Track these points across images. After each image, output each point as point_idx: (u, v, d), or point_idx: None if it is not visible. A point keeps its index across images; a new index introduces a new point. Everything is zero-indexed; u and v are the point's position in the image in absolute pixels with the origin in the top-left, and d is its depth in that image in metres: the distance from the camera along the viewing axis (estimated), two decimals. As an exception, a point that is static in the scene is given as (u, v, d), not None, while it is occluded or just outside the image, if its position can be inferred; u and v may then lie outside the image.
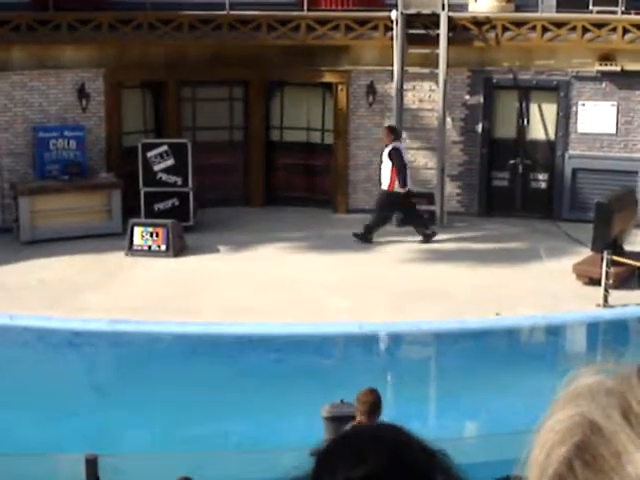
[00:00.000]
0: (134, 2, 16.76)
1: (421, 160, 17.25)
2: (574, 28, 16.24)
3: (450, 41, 16.29)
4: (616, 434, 0.94)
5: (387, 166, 15.52)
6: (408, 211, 15.81)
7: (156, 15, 16.46)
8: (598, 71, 16.38)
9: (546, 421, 1.01)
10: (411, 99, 17.03)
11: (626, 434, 0.93)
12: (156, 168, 16.15)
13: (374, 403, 7.18)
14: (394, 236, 16.09)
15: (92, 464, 7.74)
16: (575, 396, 1.00)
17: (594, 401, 0.98)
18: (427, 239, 15.68)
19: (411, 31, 16.49)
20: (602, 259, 12.96)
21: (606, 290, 12.88)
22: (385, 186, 15.59)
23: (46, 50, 16.13)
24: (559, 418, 1.00)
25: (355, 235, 15.64)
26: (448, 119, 16.81)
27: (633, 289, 13.57)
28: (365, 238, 15.64)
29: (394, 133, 15.75)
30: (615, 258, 13.08)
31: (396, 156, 15.48)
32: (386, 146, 15.64)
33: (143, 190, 16.12)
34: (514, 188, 17.27)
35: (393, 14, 16.30)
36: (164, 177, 16.18)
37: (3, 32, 15.78)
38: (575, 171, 16.80)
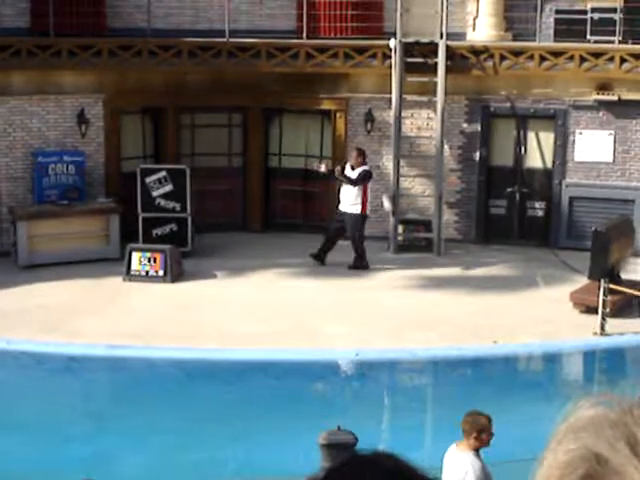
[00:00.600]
0: (134, 29, 16.86)
1: (419, 187, 17.31)
2: (572, 57, 16.34)
3: (448, 69, 16.39)
4: (624, 467, 0.93)
5: (354, 189, 15.62)
6: (340, 235, 15.92)
7: (156, 42, 16.56)
8: (595, 100, 16.48)
9: (547, 455, 1.00)
10: (409, 127, 17.11)
11: (634, 466, 0.93)
12: (154, 194, 16.20)
13: (483, 424, 7.39)
14: (392, 263, 16.12)
15: (88, 490, 7.71)
16: (577, 429, 0.99)
17: (598, 434, 0.96)
18: (318, 259, 15.83)
19: (409, 59, 16.59)
20: (599, 287, 12.97)
21: (603, 318, 12.89)
22: (358, 210, 15.70)
23: (46, 75, 16.21)
24: (561, 452, 0.98)
25: (351, 267, 15.69)
26: (446, 147, 16.88)
27: (630, 317, 13.58)
28: (362, 265, 15.68)
29: (362, 156, 15.96)
30: (612, 286, 13.10)
31: (368, 178, 15.74)
32: (352, 168, 15.74)
33: (141, 215, 16.15)
34: (511, 216, 17.32)
35: (391, 42, 16.41)
36: (162, 203, 16.22)
37: (3, 57, 15.86)
38: (572, 199, 16.85)
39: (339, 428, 8.11)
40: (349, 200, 15.76)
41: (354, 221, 15.75)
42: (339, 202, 15.92)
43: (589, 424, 0.99)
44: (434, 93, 16.49)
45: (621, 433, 0.96)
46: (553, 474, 0.98)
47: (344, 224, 15.77)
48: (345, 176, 15.70)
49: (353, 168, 15.80)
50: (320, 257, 15.89)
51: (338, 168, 15.83)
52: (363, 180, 15.69)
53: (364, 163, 15.88)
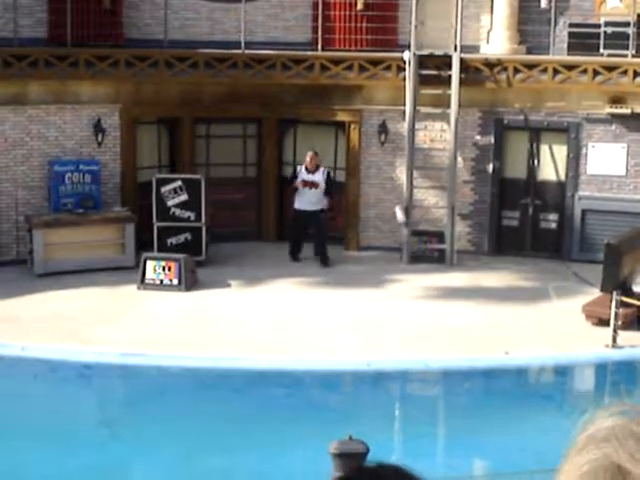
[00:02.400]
0: (151, 40, 17.00)
1: (432, 199, 17.38)
2: (585, 71, 16.41)
3: (462, 82, 16.47)
4: None
5: (322, 189, 16.44)
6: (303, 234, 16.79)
7: (172, 53, 16.69)
8: (608, 113, 16.52)
9: (567, 465, 0.99)
10: (422, 139, 17.18)
11: None
12: (170, 203, 16.31)
13: None
14: (404, 273, 16.18)
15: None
16: (598, 440, 0.98)
17: (621, 445, 0.96)
18: (296, 260, 16.57)
19: (423, 72, 16.68)
20: (611, 300, 13.01)
21: (615, 331, 12.92)
22: (324, 207, 16.57)
23: (63, 85, 16.36)
24: (582, 462, 0.98)
25: (326, 265, 16.34)
26: (459, 159, 16.95)
27: (642, 330, 13.60)
28: (326, 261, 16.40)
29: (317, 157, 16.75)
30: (624, 299, 13.13)
31: (331, 179, 16.67)
32: (307, 169, 16.47)
33: (156, 224, 16.26)
34: (524, 228, 17.36)
35: (406, 55, 16.50)
36: (177, 212, 16.33)
37: (21, 67, 16.02)
38: (585, 212, 16.89)
39: (350, 437, 8.17)
40: (316, 200, 16.54)
41: (323, 219, 16.64)
42: (293, 203, 16.73)
43: (611, 435, 0.98)
44: (448, 105, 16.56)
45: None
46: None
47: (306, 223, 16.53)
48: (319, 184, 16.49)
49: (308, 170, 16.52)
50: (297, 257, 16.67)
51: (297, 182, 16.56)
52: (329, 180, 16.64)
53: (318, 164, 16.67)
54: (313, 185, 16.46)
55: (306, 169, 16.54)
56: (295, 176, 16.63)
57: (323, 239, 16.60)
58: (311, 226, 16.59)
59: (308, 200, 16.49)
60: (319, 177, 16.54)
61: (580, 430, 1.00)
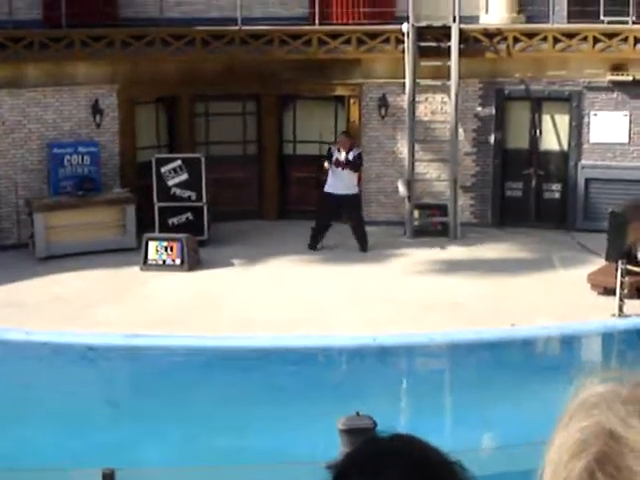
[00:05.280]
0: (146, 18, 16.87)
1: (434, 172, 17.28)
2: (585, 38, 16.26)
3: (461, 53, 16.33)
4: (638, 443, 0.91)
5: (353, 172, 15.88)
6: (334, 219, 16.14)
7: (169, 31, 16.56)
8: (610, 81, 16.39)
9: (558, 433, 0.98)
10: (423, 111, 17.07)
11: None
12: (170, 183, 16.23)
13: None
14: (407, 247, 16.12)
15: (109, 478, 7.77)
16: (588, 406, 0.97)
17: (611, 410, 0.95)
18: (314, 248, 15.94)
19: (422, 44, 16.54)
20: (617, 269, 12.94)
21: (621, 300, 12.86)
22: (357, 191, 16.09)
23: (59, 67, 16.24)
24: (573, 429, 0.96)
25: (364, 249, 15.80)
26: (460, 131, 16.84)
27: (648, 298, 13.54)
28: (365, 246, 15.83)
29: (353, 138, 16.26)
30: (630, 267, 13.07)
31: (361, 161, 16.10)
32: (346, 151, 15.81)
33: (157, 205, 16.18)
34: (527, 199, 17.27)
35: (404, 27, 16.36)
36: (178, 192, 16.25)
37: (17, 49, 15.90)
38: (588, 181, 16.79)
39: (358, 413, 8.13)
40: (348, 183, 15.91)
41: (357, 203, 16.08)
42: (324, 186, 16.00)
43: (601, 401, 0.97)
44: (448, 77, 16.44)
45: (634, 409, 0.94)
46: (566, 451, 0.96)
47: (339, 208, 15.84)
48: (350, 162, 15.80)
49: (340, 151, 15.92)
50: (315, 246, 15.96)
51: (326, 164, 15.90)
52: (359, 162, 16.03)
53: (354, 145, 16.09)
54: (345, 166, 15.83)
55: (338, 150, 15.93)
56: (330, 156, 15.95)
57: (360, 224, 15.93)
58: (343, 211, 15.88)
59: (341, 182, 15.80)
60: (352, 157, 15.91)
61: (571, 398, 0.99)
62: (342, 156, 15.88)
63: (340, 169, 15.83)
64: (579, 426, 0.96)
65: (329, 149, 16.18)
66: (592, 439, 0.94)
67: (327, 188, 15.97)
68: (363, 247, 15.88)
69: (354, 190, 16.00)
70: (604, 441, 0.93)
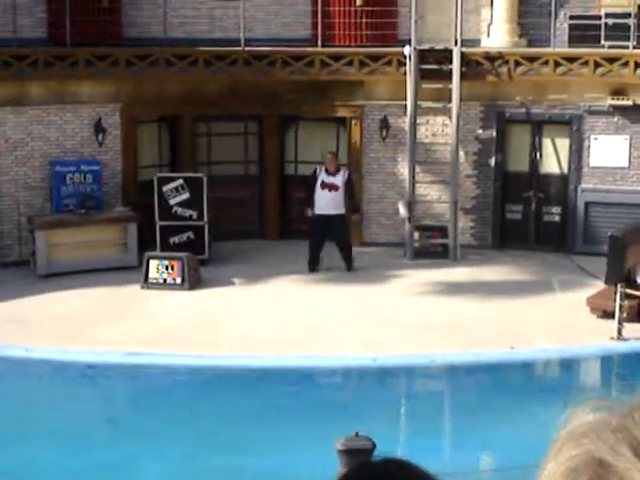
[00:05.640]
0: (150, 38, 16.97)
1: (434, 194, 17.34)
2: (586, 63, 16.36)
3: (463, 76, 16.43)
4: (628, 471, 0.92)
5: (341, 192, 15.83)
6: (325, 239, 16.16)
7: (172, 51, 16.66)
8: (610, 105, 16.48)
9: (548, 463, 0.99)
10: (424, 133, 17.15)
11: (638, 470, 0.92)
12: (172, 202, 16.29)
13: None
14: (407, 269, 16.15)
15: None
16: (578, 435, 0.98)
17: (600, 439, 0.95)
18: (314, 270, 15.91)
19: (424, 66, 16.64)
20: (616, 292, 12.97)
21: (620, 323, 12.89)
22: (344, 211, 15.97)
23: (63, 85, 16.33)
24: (563, 458, 0.97)
25: (350, 269, 15.87)
26: (461, 153, 16.91)
27: (647, 322, 13.56)
28: (350, 266, 15.88)
29: (337, 158, 16.32)
30: (629, 291, 13.10)
31: (352, 181, 16.13)
32: (327, 171, 15.86)
33: (159, 224, 16.24)
34: (527, 221, 17.32)
35: (406, 50, 16.46)
36: (179, 211, 16.30)
37: (21, 67, 16.00)
38: (588, 204, 16.85)
39: (357, 434, 8.14)
40: (336, 203, 15.88)
41: (345, 223, 16.07)
42: (311, 207, 15.96)
43: (590, 430, 0.97)
44: (449, 99, 16.52)
45: (623, 437, 0.94)
46: None
47: (328, 228, 15.80)
48: (346, 186, 15.89)
49: (328, 171, 15.92)
50: (314, 268, 15.95)
51: (308, 212, 15.99)
52: (350, 183, 16.05)
53: (339, 166, 16.15)
54: (332, 188, 15.86)
55: (326, 170, 15.96)
56: (315, 177, 15.98)
57: (347, 244, 15.97)
58: (332, 231, 15.83)
59: (327, 203, 15.80)
60: (339, 179, 15.92)
61: (560, 427, 1.00)
62: (329, 179, 15.90)
63: (326, 190, 15.90)
64: (569, 455, 0.97)
65: (315, 170, 16.13)
66: (582, 468, 0.95)
67: (316, 210, 15.97)
68: (349, 267, 15.97)
69: (341, 210, 15.98)
70: (593, 469, 0.94)
